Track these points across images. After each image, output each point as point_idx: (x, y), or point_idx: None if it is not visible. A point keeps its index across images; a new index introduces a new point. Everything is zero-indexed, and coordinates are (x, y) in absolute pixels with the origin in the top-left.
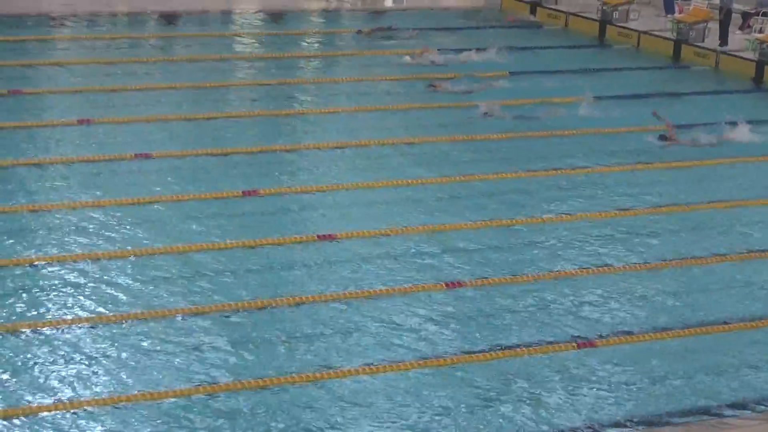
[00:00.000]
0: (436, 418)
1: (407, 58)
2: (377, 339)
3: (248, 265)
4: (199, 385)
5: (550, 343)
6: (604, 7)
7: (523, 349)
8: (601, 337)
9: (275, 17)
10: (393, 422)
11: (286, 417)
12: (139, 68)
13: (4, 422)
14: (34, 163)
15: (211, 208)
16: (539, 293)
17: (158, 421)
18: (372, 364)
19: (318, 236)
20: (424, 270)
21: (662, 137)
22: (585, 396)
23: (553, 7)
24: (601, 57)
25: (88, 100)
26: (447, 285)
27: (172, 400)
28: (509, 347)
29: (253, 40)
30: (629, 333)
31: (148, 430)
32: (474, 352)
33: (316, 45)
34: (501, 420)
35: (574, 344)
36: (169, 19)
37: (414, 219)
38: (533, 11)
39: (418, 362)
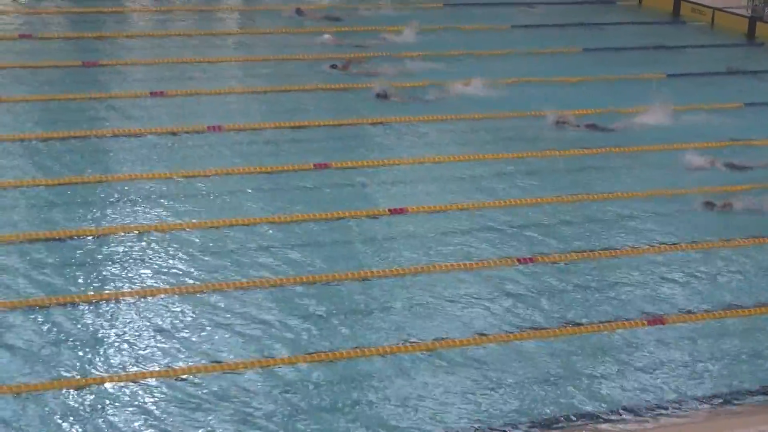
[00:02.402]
0: (506, 393)
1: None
2: (448, 314)
3: (318, 238)
4: (268, 357)
5: (622, 319)
6: None
7: (595, 325)
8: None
9: None
10: (466, 397)
11: (355, 391)
12: (214, 41)
13: (76, 393)
14: (107, 134)
15: (282, 181)
16: (613, 270)
17: (228, 394)
18: (443, 338)
19: (389, 210)
20: (497, 245)
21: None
22: (660, 373)
23: None
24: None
25: (162, 72)
26: (519, 260)
27: (242, 372)
28: (580, 324)
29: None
30: (703, 311)
31: (220, 402)
32: (546, 328)
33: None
34: (572, 397)
35: (644, 321)
36: None
37: (488, 193)
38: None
39: (489, 337)
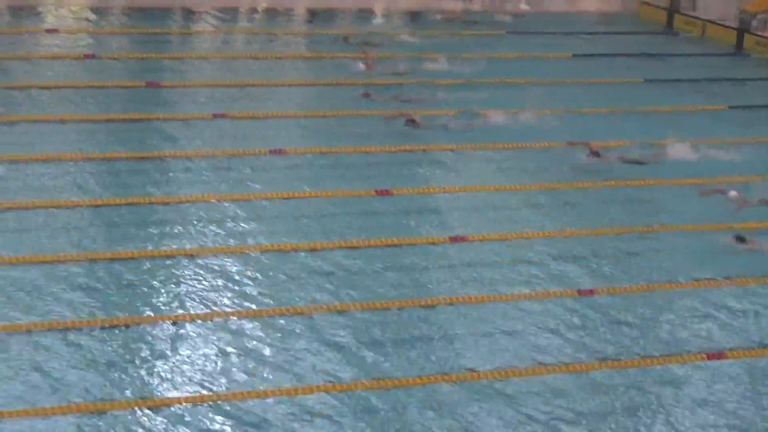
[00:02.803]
0: (567, 422)
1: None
2: (508, 342)
3: (379, 264)
4: (333, 382)
5: (680, 353)
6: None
7: (653, 359)
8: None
9: (413, 16)
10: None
11: (419, 417)
12: (275, 63)
13: (141, 413)
14: (169, 155)
15: (345, 206)
16: (670, 303)
17: (295, 417)
18: (502, 368)
19: (450, 238)
20: (557, 275)
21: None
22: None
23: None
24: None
25: (224, 93)
26: (579, 292)
27: (307, 396)
28: (640, 356)
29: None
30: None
31: (287, 425)
32: (605, 359)
33: (455, 43)
34: (634, 428)
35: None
36: (312, 15)
37: (548, 224)
38: (670, 19)
39: (547, 368)
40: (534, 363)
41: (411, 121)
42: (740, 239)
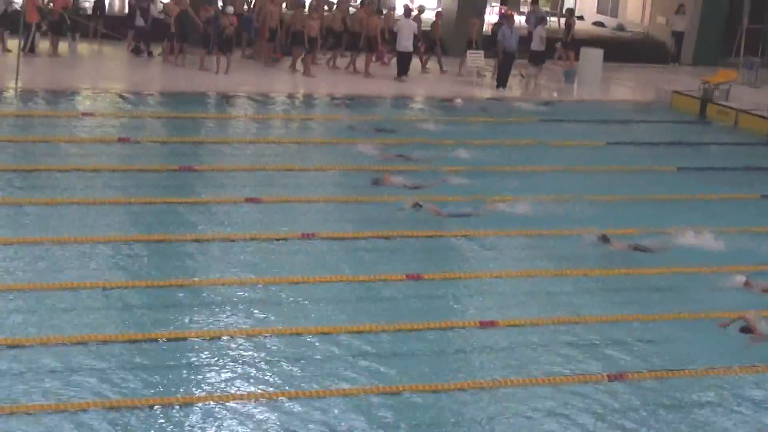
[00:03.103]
0: None
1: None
2: (535, 426)
3: (408, 348)
4: None
5: None
6: None
7: None
8: None
9: (445, 103)
10: None
11: None
12: (307, 149)
13: None
14: (201, 239)
15: (374, 291)
16: (705, 390)
17: None
18: None
19: (480, 323)
20: (585, 361)
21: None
22: None
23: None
24: None
25: (257, 178)
26: (609, 377)
27: None
28: None
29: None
30: None
31: None
32: None
33: (487, 129)
34: None
35: None
36: (348, 101)
37: (579, 309)
38: (703, 108)
39: None
40: None
41: (418, 205)
42: (745, 330)
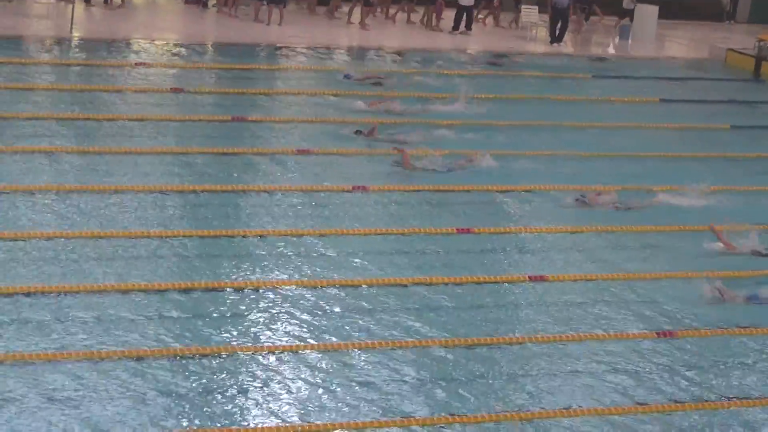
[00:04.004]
0: None
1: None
2: (584, 383)
3: (458, 301)
4: (408, 417)
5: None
6: None
7: (740, 401)
8: None
9: (497, 57)
10: None
11: None
12: (350, 102)
13: None
14: (254, 189)
15: (426, 244)
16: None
17: None
18: (578, 407)
19: (529, 277)
20: (635, 317)
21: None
22: None
23: None
24: None
25: (306, 130)
26: (658, 334)
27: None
28: (717, 399)
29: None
30: None
31: None
32: (681, 402)
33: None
34: None
35: None
36: (399, 55)
37: (629, 265)
38: (758, 66)
39: (622, 408)
40: (610, 403)
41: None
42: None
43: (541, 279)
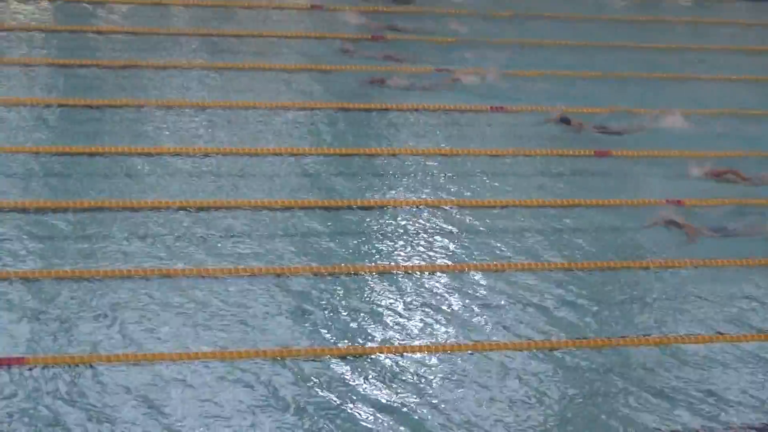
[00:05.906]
0: None
1: None
2: (708, 310)
3: (590, 224)
4: (534, 340)
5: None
6: None
7: None
8: None
9: None
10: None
11: (624, 379)
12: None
13: (342, 361)
14: (390, 108)
15: (560, 167)
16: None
17: (490, 373)
18: (717, 333)
19: (667, 200)
20: None
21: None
22: None
23: None
24: None
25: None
26: None
27: (505, 352)
28: None
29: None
30: None
31: (486, 380)
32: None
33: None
34: None
35: None
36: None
37: None
38: None
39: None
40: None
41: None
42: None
43: (679, 203)
